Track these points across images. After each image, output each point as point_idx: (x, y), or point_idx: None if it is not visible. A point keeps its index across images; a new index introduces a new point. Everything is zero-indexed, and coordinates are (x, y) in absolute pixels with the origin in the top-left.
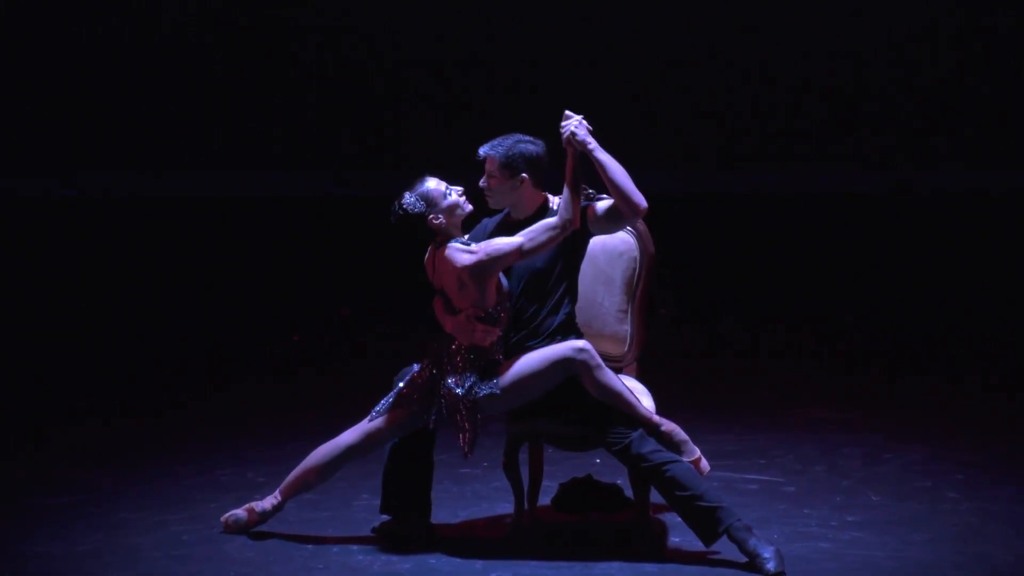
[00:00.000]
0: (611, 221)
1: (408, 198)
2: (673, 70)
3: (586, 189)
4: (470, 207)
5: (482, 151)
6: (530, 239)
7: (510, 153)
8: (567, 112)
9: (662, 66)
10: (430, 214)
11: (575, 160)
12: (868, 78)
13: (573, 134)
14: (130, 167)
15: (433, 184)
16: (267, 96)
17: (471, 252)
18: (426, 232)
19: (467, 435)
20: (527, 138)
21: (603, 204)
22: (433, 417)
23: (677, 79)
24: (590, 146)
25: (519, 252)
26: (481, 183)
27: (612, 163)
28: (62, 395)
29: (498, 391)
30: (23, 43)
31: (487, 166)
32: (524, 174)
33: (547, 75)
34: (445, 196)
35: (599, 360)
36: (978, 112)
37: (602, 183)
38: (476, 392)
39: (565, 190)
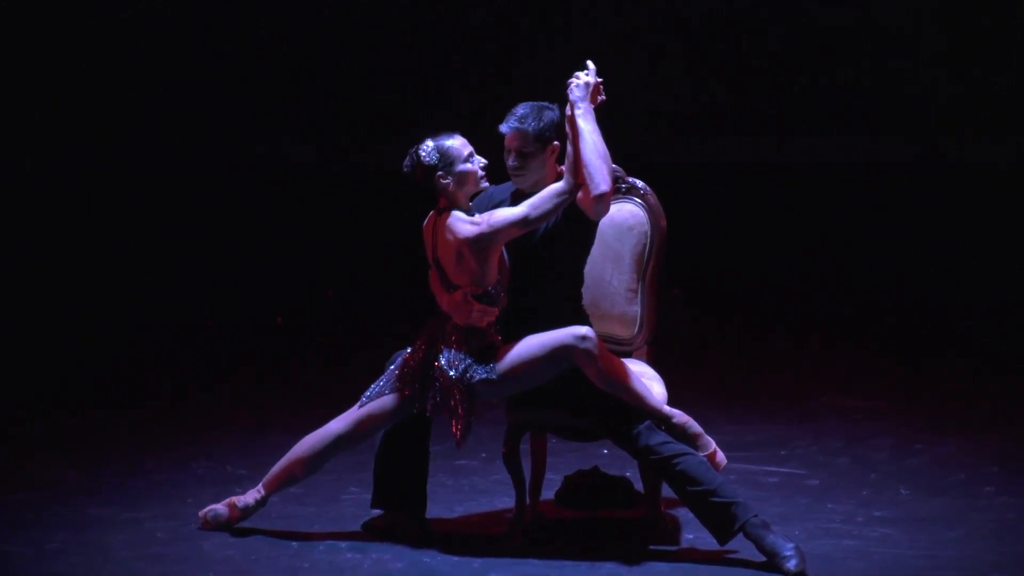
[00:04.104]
0: (583, 200)
1: (426, 146)
2: (684, 33)
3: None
4: (485, 184)
5: (508, 127)
6: (535, 207)
7: (542, 124)
8: (577, 74)
9: (675, 26)
10: (439, 171)
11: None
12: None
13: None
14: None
15: (457, 143)
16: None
17: (474, 223)
18: (431, 189)
19: (461, 422)
20: (546, 104)
21: None
22: (428, 402)
23: (690, 40)
24: (577, 108)
25: (524, 221)
26: (511, 163)
27: (589, 134)
28: (26, 384)
29: (495, 376)
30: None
31: (516, 144)
32: (556, 142)
33: (549, 41)
34: (464, 160)
35: (603, 348)
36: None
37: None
38: (471, 376)
39: (569, 150)
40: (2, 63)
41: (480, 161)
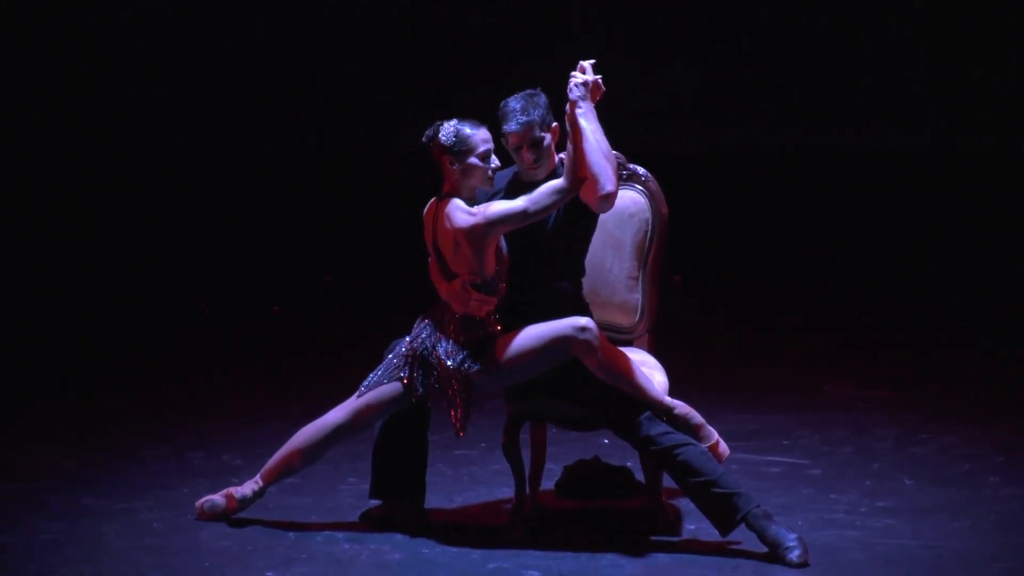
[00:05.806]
0: (585, 197)
1: (449, 125)
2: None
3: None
4: (488, 186)
5: (517, 124)
6: (534, 202)
7: (542, 109)
8: (574, 73)
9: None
10: (449, 154)
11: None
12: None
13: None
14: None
15: (479, 136)
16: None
17: (470, 214)
18: (439, 170)
19: (459, 411)
20: (530, 91)
21: None
22: (426, 391)
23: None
24: (578, 108)
25: (522, 216)
26: (529, 157)
27: (592, 134)
28: (19, 373)
29: (493, 366)
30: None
31: (529, 137)
32: (555, 123)
33: (549, 42)
34: (478, 156)
35: (603, 339)
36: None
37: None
38: (469, 367)
39: (569, 148)
40: (2, 63)
41: (495, 162)
